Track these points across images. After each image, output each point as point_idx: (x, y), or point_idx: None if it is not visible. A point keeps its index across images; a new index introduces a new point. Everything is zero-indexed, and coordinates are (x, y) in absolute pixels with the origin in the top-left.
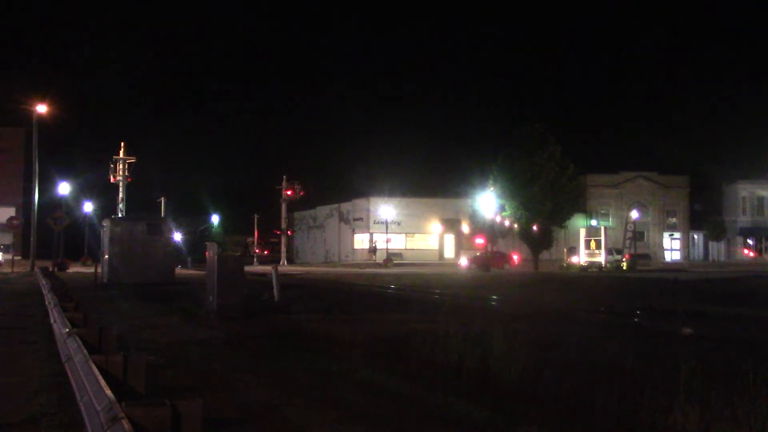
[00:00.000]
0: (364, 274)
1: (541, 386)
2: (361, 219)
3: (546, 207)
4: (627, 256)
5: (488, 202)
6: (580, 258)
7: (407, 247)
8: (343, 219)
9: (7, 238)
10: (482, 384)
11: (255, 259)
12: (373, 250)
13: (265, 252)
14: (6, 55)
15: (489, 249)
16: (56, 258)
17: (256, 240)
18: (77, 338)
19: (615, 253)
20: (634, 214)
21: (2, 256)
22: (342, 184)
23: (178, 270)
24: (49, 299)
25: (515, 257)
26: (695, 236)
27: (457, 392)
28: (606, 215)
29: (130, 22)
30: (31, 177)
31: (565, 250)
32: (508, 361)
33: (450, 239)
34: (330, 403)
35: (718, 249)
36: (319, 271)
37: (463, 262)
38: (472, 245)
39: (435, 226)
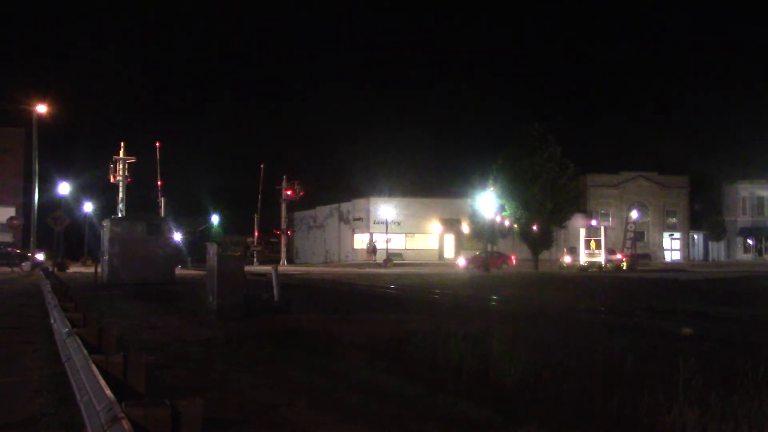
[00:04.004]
0: (364, 274)
1: (541, 386)
2: (361, 219)
3: (546, 207)
4: (623, 256)
5: (488, 202)
6: (580, 258)
7: (407, 247)
8: (343, 219)
9: (7, 238)
10: (482, 384)
11: (255, 259)
12: (372, 249)
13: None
14: (6, 54)
15: (488, 249)
16: (56, 258)
17: (255, 239)
18: (77, 338)
19: (607, 253)
20: (634, 214)
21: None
22: (342, 184)
23: (178, 270)
24: (49, 299)
25: (513, 258)
26: (695, 236)
27: (457, 392)
28: (606, 215)
29: (130, 22)
30: (31, 177)
31: (565, 249)
32: (508, 361)
33: (450, 239)
34: (330, 403)
35: (718, 249)
36: (318, 271)
37: (461, 262)
38: (473, 245)
39: (435, 226)
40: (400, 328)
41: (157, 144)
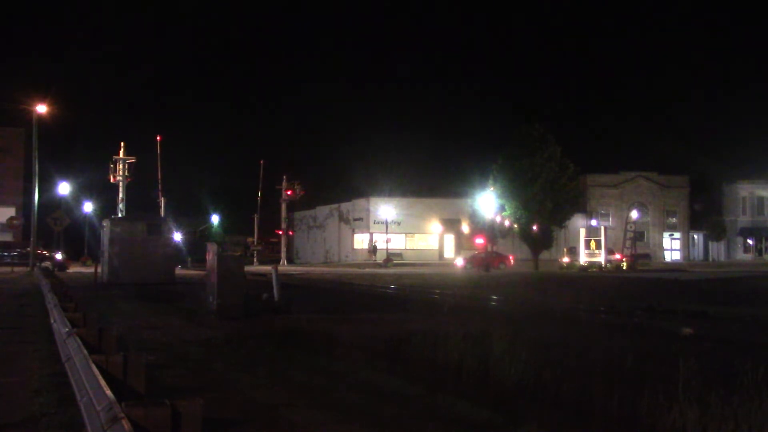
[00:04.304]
0: (364, 274)
1: (541, 386)
2: (361, 219)
3: (546, 207)
4: (622, 256)
5: (488, 202)
6: (579, 258)
7: (407, 247)
8: (343, 219)
9: (7, 238)
10: (482, 384)
11: (255, 259)
12: (373, 249)
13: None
14: (6, 54)
15: (488, 249)
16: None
17: (255, 239)
18: (77, 338)
19: (606, 254)
20: (634, 214)
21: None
22: (342, 184)
23: (178, 270)
24: (49, 299)
25: (511, 257)
26: (695, 236)
27: (457, 392)
28: (606, 215)
29: (129, 21)
30: (31, 177)
31: (565, 249)
32: (508, 361)
33: (450, 239)
34: (330, 403)
35: (718, 249)
36: (319, 271)
37: (459, 261)
38: (472, 245)
39: (435, 226)
40: (400, 328)
41: (158, 138)
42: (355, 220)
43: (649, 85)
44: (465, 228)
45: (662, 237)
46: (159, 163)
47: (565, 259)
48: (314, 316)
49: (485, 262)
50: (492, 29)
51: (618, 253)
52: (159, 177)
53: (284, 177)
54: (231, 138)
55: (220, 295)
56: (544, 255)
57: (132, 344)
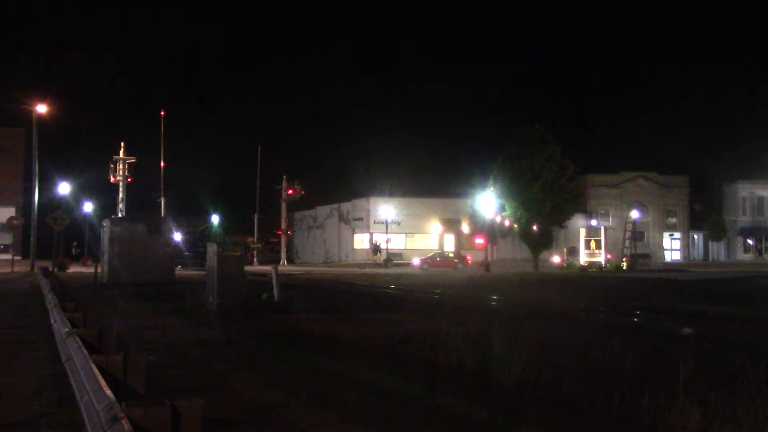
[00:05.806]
0: (364, 274)
1: (541, 386)
2: (361, 219)
3: (546, 207)
4: (610, 256)
5: (488, 202)
6: (576, 258)
7: (407, 247)
8: (343, 219)
9: (7, 238)
10: (482, 384)
11: (255, 259)
12: (375, 249)
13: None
14: (6, 54)
15: (488, 249)
16: (56, 258)
17: (255, 239)
18: (77, 338)
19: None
20: (634, 214)
21: None
22: (342, 184)
23: (178, 270)
24: (49, 299)
25: (468, 258)
26: (695, 236)
27: (457, 392)
28: (606, 215)
29: (129, 21)
30: (31, 177)
31: (565, 249)
32: (508, 361)
33: (450, 239)
34: (330, 403)
35: (718, 249)
36: (319, 271)
37: (416, 261)
38: (473, 245)
39: (435, 226)
40: (400, 328)
41: (162, 113)
42: (355, 220)
43: (648, 85)
44: (465, 228)
45: (662, 237)
46: (162, 142)
47: (556, 259)
48: (314, 316)
49: (486, 261)
50: (492, 29)
51: (608, 254)
52: (162, 156)
53: (284, 177)
54: (231, 138)
55: (220, 295)
56: (544, 254)
57: (132, 344)
